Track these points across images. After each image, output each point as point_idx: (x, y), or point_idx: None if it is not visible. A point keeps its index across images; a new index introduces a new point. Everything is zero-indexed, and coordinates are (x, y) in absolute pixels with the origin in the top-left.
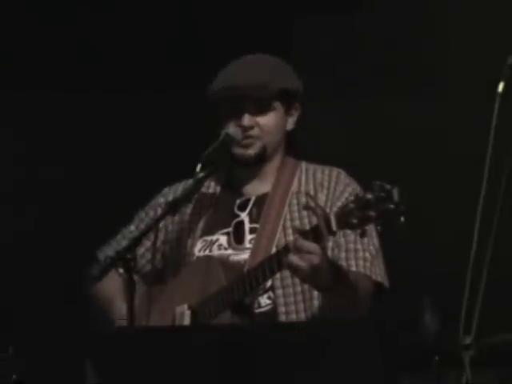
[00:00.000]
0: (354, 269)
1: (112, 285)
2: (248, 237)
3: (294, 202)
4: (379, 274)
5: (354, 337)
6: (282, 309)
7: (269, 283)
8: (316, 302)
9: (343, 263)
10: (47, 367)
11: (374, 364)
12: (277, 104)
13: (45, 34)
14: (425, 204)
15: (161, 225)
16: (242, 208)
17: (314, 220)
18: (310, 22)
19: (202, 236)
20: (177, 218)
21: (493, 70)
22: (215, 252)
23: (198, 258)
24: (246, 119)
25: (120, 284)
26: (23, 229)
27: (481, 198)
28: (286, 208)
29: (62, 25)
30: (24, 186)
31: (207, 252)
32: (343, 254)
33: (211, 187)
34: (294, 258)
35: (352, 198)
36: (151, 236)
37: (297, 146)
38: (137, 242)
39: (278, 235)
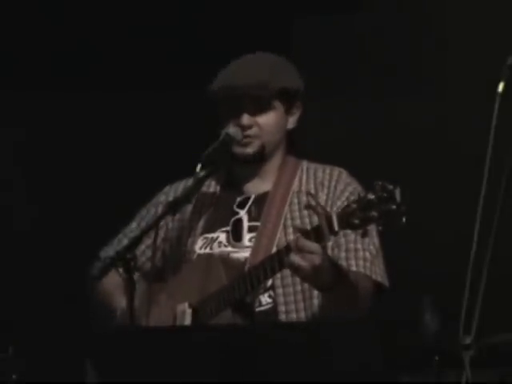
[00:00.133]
0: (354, 268)
1: (112, 281)
2: (247, 235)
3: (295, 201)
4: (379, 273)
5: (354, 337)
6: (282, 308)
7: (269, 282)
8: (316, 301)
9: (343, 263)
10: (47, 367)
11: (374, 364)
12: (276, 103)
13: (45, 33)
14: (425, 204)
15: (161, 223)
16: (242, 206)
17: (315, 219)
18: (310, 22)
19: (202, 233)
20: (177, 216)
21: (493, 70)
22: (216, 249)
23: (198, 255)
24: (245, 118)
25: (120, 280)
26: (23, 228)
27: (481, 198)
28: (287, 207)
29: (62, 25)
30: (24, 185)
31: (208, 249)
32: (343, 254)
33: (212, 186)
34: (295, 258)
35: (354, 198)
36: (152, 234)
37: (297, 145)
38: (137, 241)
39: (278, 234)
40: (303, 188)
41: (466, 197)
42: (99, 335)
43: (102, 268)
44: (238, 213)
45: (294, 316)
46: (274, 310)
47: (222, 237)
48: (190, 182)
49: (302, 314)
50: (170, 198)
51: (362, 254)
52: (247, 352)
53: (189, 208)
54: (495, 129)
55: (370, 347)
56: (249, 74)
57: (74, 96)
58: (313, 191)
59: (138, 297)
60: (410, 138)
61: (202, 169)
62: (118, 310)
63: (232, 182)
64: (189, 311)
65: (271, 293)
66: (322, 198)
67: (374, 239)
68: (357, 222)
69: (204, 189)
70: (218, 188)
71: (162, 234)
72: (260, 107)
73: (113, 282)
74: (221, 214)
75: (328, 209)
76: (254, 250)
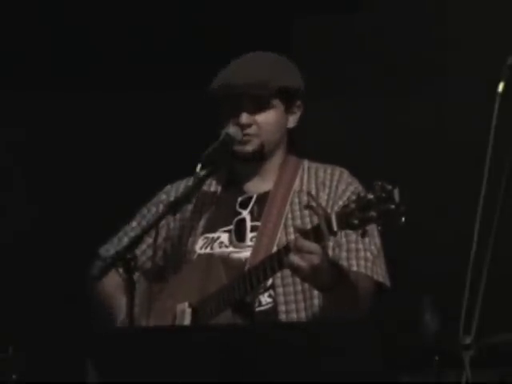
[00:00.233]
0: (354, 268)
1: (112, 281)
2: (249, 235)
3: (296, 200)
4: (380, 273)
5: (354, 337)
6: (282, 307)
7: (270, 282)
8: (316, 301)
9: (344, 263)
10: (47, 367)
11: (375, 364)
12: (276, 102)
13: (45, 33)
14: (425, 204)
15: (162, 222)
16: (244, 206)
17: (316, 219)
18: (310, 22)
19: (203, 233)
20: (178, 215)
21: (493, 70)
22: (216, 249)
23: (199, 255)
24: (244, 117)
25: (120, 280)
26: (23, 228)
27: (481, 198)
28: (288, 207)
29: (62, 25)
30: (24, 185)
31: (208, 249)
32: (344, 254)
33: (212, 185)
34: (294, 258)
35: (353, 198)
36: (153, 233)
37: (297, 145)
38: (137, 241)
39: (279, 234)
40: (304, 187)
41: (466, 197)
42: (99, 335)
43: (102, 268)
44: (240, 213)
45: (294, 316)
46: (274, 310)
47: (224, 237)
48: (190, 181)
49: (303, 314)
50: (171, 198)
51: (363, 254)
52: (247, 352)
53: (189, 207)
54: (495, 129)
55: (370, 347)
56: (248, 73)
57: (73, 96)
58: (314, 191)
59: (138, 296)
60: (410, 137)
61: (202, 169)
62: (118, 310)
63: (233, 181)
64: (188, 311)
65: (271, 292)
66: (323, 197)
67: (375, 239)
68: (356, 222)
69: (205, 188)
70: (219, 187)
71: (163, 233)
72: (259, 106)
73: (113, 281)
74: (222, 214)
75: (329, 209)
76: (255, 249)
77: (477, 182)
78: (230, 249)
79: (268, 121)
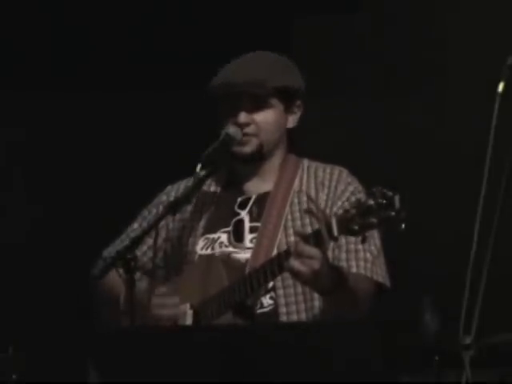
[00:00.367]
0: (354, 270)
1: (113, 278)
2: (248, 236)
3: (296, 201)
4: (380, 274)
5: (355, 337)
6: (283, 309)
7: (271, 283)
8: (317, 303)
9: (344, 264)
10: (47, 367)
11: (375, 364)
12: (275, 101)
13: (45, 34)
14: (425, 204)
15: (162, 223)
16: (243, 206)
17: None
18: (310, 22)
19: (203, 234)
20: (178, 216)
21: (493, 70)
22: (217, 250)
23: (200, 256)
24: (242, 116)
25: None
26: (23, 228)
27: (481, 198)
28: (288, 208)
29: (62, 25)
30: (24, 185)
31: (209, 250)
32: (344, 255)
33: (212, 186)
34: (294, 263)
35: (354, 203)
36: (153, 234)
37: (297, 145)
38: (137, 241)
39: (279, 235)
40: (304, 187)
41: (466, 197)
42: (100, 335)
43: (102, 268)
44: (239, 213)
45: (295, 317)
46: (275, 312)
47: (223, 237)
48: (191, 181)
49: (303, 316)
50: (171, 198)
51: (362, 255)
52: (248, 352)
53: (190, 208)
54: (495, 129)
55: (369, 347)
56: (246, 72)
57: (74, 96)
58: (313, 191)
59: (139, 293)
60: (410, 137)
61: (202, 169)
62: (120, 295)
63: (233, 181)
64: (190, 312)
65: (273, 294)
66: (323, 198)
67: (375, 240)
68: (356, 227)
69: (205, 188)
70: (219, 188)
71: (163, 234)
72: (257, 105)
73: (114, 278)
74: (222, 215)
75: (328, 209)
76: (255, 251)
77: (477, 182)
78: (230, 249)
79: (267, 120)
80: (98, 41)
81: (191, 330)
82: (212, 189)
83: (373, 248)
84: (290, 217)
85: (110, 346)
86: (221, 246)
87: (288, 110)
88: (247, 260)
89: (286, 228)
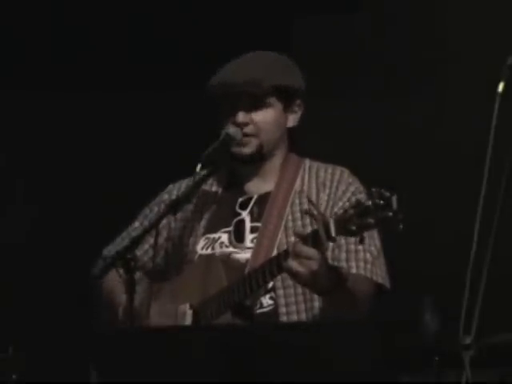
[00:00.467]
0: (354, 270)
1: (113, 279)
2: (249, 236)
3: (297, 201)
4: (380, 275)
5: (355, 337)
6: (283, 309)
7: (271, 283)
8: (317, 304)
9: (343, 264)
10: (47, 367)
11: (375, 364)
12: (273, 100)
13: (45, 34)
14: (425, 204)
15: (164, 222)
16: (244, 206)
17: None
18: (310, 22)
19: (204, 234)
20: (179, 215)
21: (493, 70)
22: (217, 250)
23: (200, 256)
24: (241, 116)
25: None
26: (23, 228)
27: (481, 198)
28: (288, 208)
29: (62, 25)
30: (24, 186)
31: (209, 250)
32: (344, 255)
33: (214, 185)
34: (293, 264)
35: (352, 203)
36: (154, 233)
37: (296, 145)
38: (137, 240)
39: (279, 236)
40: (305, 187)
41: (466, 197)
42: (100, 335)
43: (102, 267)
44: (240, 214)
45: (295, 317)
46: (275, 312)
47: (224, 237)
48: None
49: (303, 316)
50: (173, 197)
51: (362, 256)
52: (247, 352)
53: (191, 207)
54: (495, 129)
55: (369, 348)
56: (244, 72)
57: (74, 96)
58: (314, 191)
59: (139, 296)
60: (410, 137)
61: (202, 169)
62: (120, 306)
63: (234, 181)
64: (189, 312)
65: (273, 294)
66: (324, 198)
67: (375, 240)
68: (354, 228)
69: (206, 188)
70: (221, 188)
71: (164, 233)
72: (256, 105)
73: (114, 279)
74: (223, 215)
75: (329, 209)
76: (255, 251)
77: (477, 182)
78: (231, 249)
79: (266, 120)
80: (98, 41)
81: (191, 329)
82: (213, 189)
83: (373, 249)
84: (290, 217)
85: (110, 345)
86: (221, 246)
87: (287, 109)
88: (247, 260)
89: (286, 228)
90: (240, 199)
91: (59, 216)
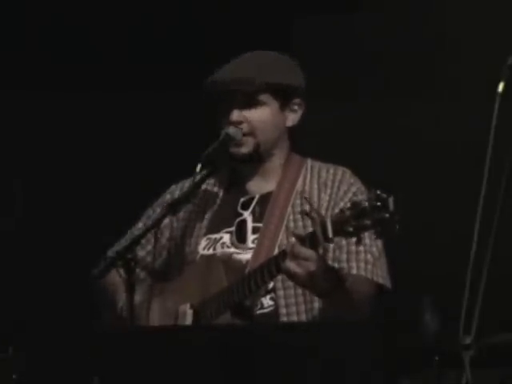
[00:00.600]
0: (354, 271)
1: (114, 277)
2: (251, 236)
3: (298, 202)
4: (381, 275)
5: (355, 338)
6: (283, 310)
7: (272, 284)
8: (317, 305)
9: (344, 265)
10: (47, 367)
11: (375, 364)
12: (267, 98)
13: (45, 34)
14: (425, 204)
15: (166, 222)
16: (246, 207)
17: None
18: (310, 22)
19: (206, 234)
20: (181, 215)
21: (493, 70)
22: (218, 250)
23: (201, 256)
24: (235, 114)
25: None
26: (23, 228)
27: (481, 198)
28: (290, 208)
29: (62, 25)
30: (24, 185)
31: (211, 250)
32: (344, 256)
33: (215, 186)
34: (290, 265)
35: (349, 205)
36: (157, 233)
37: (296, 145)
38: (137, 241)
39: (280, 236)
40: (307, 188)
41: (466, 197)
42: (100, 335)
43: (102, 268)
44: (242, 214)
45: (295, 318)
46: (275, 313)
47: (226, 237)
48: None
49: (304, 317)
50: (176, 197)
51: (363, 256)
52: (247, 352)
53: (192, 208)
54: (495, 129)
55: (370, 348)
56: (236, 70)
57: (74, 96)
58: (316, 191)
59: (140, 295)
60: (410, 137)
61: (201, 169)
62: (120, 302)
63: (235, 181)
64: (190, 312)
65: (273, 295)
66: (325, 199)
67: (377, 241)
68: (351, 229)
69: (208, 188)
70: (222, 188)
71: (166, 233)
72: (249, 103)
73: (115, 277)
74: (225, 215)
75: (330, 210)
76: (256, 251)
77: (477, 182)
78: (232, 249)
79: (261, 119)
80: (98, 41)
81: (190, 329)
82: (215, 189)
83: (374, 249)
84: (291, 217)
85: (110, 345)
86: (223, 247)
87: (285, 107)
88: (248, 260)
89: (287, 228)
90: (242, 199)
91: (59, 216)
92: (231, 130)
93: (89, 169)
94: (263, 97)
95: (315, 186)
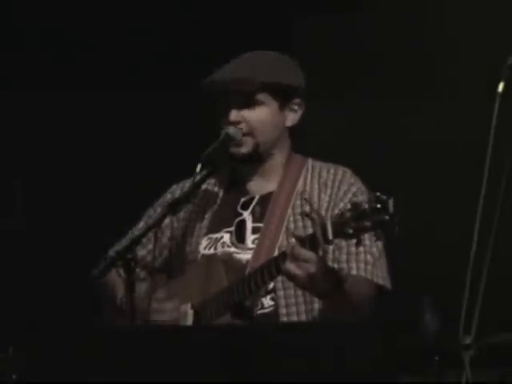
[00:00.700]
0: (354, 272)
1: (115, 277)
2: (251, 236)
3: (298, 202)
4: (381, 276)
5: (355, 338)
6: (283, 310)
7: (272, 284)
8: (317, 305)
9: (344, 266)
10: (47, 367)
11: (375, 364)
12: (265, 98)
13: (45, 34)
14: (425, 204)
15: (167, 221)
16: (245, 207)
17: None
18: (310, 22)
19: (206, 234)
20: (182, 215)
21: (493, 70)
22: (219, 249)
23: (202, 256)
24: (233, 114)
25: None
26: (23, 228)
27: (481, 198)
28: (290, 209)
29: (62, 25)
30: (24, 185)
31: (212, 250)
32: (344, 257)
33: (216, 185)
34: (290, 266)
35: (349, 206)
36: (158, 233)
37: (296, 146)
38: (137, 241)
39: (281, 237)
40: (307, 188)
41: (466, 197)
42: (100, 335)
43: (102, 268)
44: (241, 214)
45: (295, 319)
46: (275, 313)
47: (226, 237)
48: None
49: (304, 317)
50: (176, 197)
51: (363, 257)
52: (247, 352)
53: (193, 208)
54: (495, 129)
55: (370, 348)
56: (234, 70)
57: (73, 96)
58: (316, 191)
59: (140, 295)
60: (410, 137)
61: (201, 169)
62: (119, 294)
63: (236, 181)
64: (190, 312)
65: (273, 295)
66: (325, 199)
67: (376, 241)
68: (350, 231)
69: (209, 188)
70: (223, 188)
71: (167, 233)
72: (247, 102)
73: (115, 277)
74: (225, 214)
75: (330, 210)
76: (256, 251)
77: (477, 182)
78: (232, 249)
79: (259, 118)
80: (98, 41)
81: (191, 329)
82: (215, 189)
83: (374, 250)
84: (292, 218)
85: (110, 345)
86: (223, 246)
87: (285, 107)
88: (248, 261)
89: (287, 229)
90: (242, 199)
91: (59, 216)
92: (231, 130)
93: (89, 169)
94: (262, 96)
95: (316, 186)
